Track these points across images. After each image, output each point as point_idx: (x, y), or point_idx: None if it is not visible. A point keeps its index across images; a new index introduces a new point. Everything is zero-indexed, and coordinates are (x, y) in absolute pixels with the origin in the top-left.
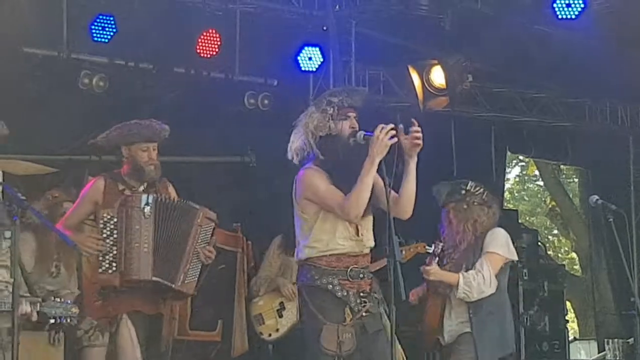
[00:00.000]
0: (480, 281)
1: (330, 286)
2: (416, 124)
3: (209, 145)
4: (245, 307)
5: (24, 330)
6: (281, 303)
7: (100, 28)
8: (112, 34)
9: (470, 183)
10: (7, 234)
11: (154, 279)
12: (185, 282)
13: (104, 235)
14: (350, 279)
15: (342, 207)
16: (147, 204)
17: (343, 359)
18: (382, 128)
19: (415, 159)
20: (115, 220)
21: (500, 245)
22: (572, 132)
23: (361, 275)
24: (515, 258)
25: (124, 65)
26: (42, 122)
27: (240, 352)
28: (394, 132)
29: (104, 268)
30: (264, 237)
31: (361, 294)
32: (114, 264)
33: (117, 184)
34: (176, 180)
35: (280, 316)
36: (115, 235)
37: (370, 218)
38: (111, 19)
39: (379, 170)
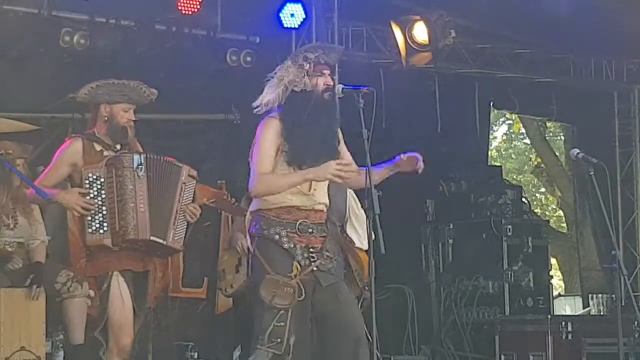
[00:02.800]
0: None
1: (277, 237)
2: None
3: (193, 103)
4: None
5: (2, 287)
6: (239, 258)
7: None
8: None
9: None
10: None
11: (151, 238)
12: (175, 238)
13: (91, 195)
14: (299, 233)
15: (254, 176)
16: (140, 164)
17: (284, 311)
18: (344, 165)
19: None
20: (102, 180)
21: None
22: (557, 87)
23: (310, 230)
24: None
25: (105, 22)
26: (24, 80)
27: (224, 309)
28: (350, 174)
29: (93, 228)
30: None
31: (310, 249)
32: (105, 224)
33: (93, 144)
34: (160, 138)
35: (237, 271)
36: (103, 195)
37: None
38: None
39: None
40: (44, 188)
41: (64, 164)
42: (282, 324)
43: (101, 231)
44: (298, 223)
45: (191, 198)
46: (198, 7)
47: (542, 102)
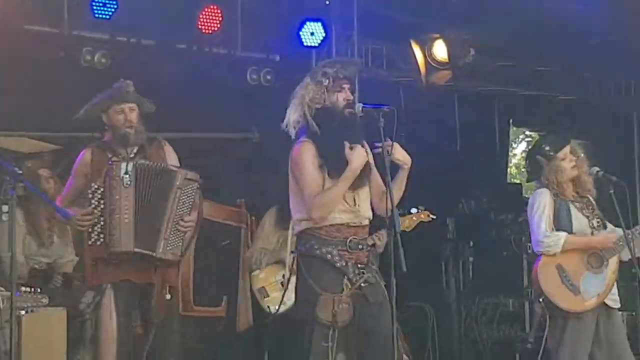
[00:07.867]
0: None
1: (329, 256)
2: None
3: (212, 122)
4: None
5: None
6: (284, 275)
7: (101, 4)
8: (113, 10)
9: None
10: (5, 208)
11: (135, 250)
12: (168, 249)
13: (92, 206)
14: (350, 250)
15: (310, 201)
16: (126, 172)
17: (338, 329)
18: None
19: (406, 169)
20: (102, 190)
21: None
22: (576, 105)
23: (360, 247)
24: None
25: (126, 41)
26: (45, 100)
27: (245, 327)
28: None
29: (92, 240)
30: None
31: (359, 265)
32: (102, 236)
33: (105, 152)
34: (180, 156)
35: (287, 288)
36: (102, 206)
37: (367, 189)
38: None
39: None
40: (65, 204)
41: (77, 176)
42: (331, 344)
43: (98, 243)
44: (348, 241)
45: (191, 203)
46: (218, 26)
47: (561, 119)
